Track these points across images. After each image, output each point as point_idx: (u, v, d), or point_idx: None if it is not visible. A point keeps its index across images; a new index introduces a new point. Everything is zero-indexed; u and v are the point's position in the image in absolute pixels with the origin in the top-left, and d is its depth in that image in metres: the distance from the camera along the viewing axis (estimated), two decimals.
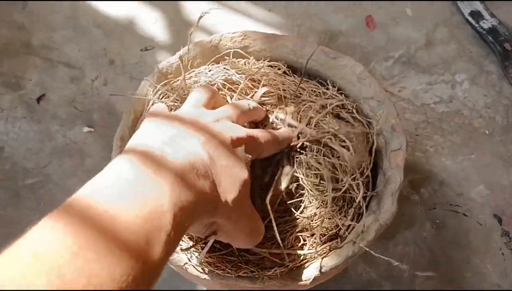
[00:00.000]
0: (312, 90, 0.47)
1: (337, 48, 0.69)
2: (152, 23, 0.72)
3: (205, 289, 0.54)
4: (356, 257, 0.40)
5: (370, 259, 0.55)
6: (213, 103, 0.40)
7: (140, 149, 0.29)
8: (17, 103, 0.66)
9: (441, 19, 0.72)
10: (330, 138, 0.43)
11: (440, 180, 0.60)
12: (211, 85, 0.46)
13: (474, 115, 0.65)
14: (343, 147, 0.42)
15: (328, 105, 0.45)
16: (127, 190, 0.25)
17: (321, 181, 0.41)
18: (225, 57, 0.48)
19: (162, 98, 0.46)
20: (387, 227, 0.41)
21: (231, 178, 0.32)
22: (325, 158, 0.42)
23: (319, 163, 0.42)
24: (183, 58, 0.47)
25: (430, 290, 0.54)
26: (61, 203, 0.23)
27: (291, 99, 0.46)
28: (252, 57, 0.48)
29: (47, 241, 0.21)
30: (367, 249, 0.38)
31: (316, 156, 0.42)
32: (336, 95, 0.46)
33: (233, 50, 0.48)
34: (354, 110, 0.45)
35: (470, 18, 0.71)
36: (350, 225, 0.41)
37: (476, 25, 0.70)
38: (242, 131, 0.36)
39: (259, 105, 0.42)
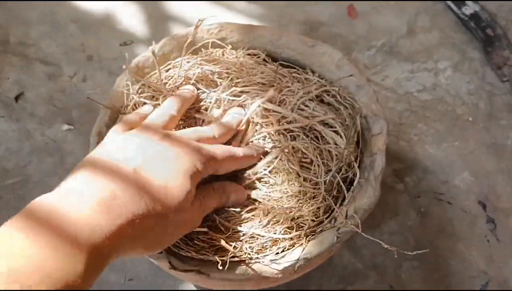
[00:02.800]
0: (293, 76, 0.46)
1: (318, 38, 0.68)
2: (130, 17, 0.71)
3: (190, 289, 0.53)
4: (340, 244, 0.40)
5: (355, 249, 0.55)
6: (183, 111, 0.42)
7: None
8: None
9: (423, 7, 0.72)
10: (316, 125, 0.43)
11: (424, 168, 0.60)
12: (188, 79, 0.45)
13: (457, 102, 0.65)
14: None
15: (313, 90, 0.45)
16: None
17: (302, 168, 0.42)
18: (202, 48, 0.48)
19: (140, 93, 0.45)
20: (371, 215, 0.41)
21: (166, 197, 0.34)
22: (312, 143, 0.43)
23: (307, 147, 0.42)
24: (157, 53, 0.46)
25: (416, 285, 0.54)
26: None
27: (270, 85, 0.45)
28: (229, 47, 0.47)
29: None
30: (358, 230, 0.38)
31: (303, 141, 0.42)
32: (319, 80, 0.46)
33: (211, 40, 0.47)
34: (338, 96, 0.45)
35: (451, 5, 0.71)
36: (333, 211, 0.41)
37: (458, 11, 0.70)
38: (196, 148, 0.37)
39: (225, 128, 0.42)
